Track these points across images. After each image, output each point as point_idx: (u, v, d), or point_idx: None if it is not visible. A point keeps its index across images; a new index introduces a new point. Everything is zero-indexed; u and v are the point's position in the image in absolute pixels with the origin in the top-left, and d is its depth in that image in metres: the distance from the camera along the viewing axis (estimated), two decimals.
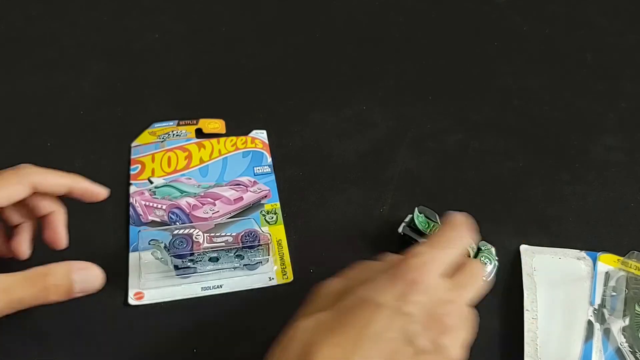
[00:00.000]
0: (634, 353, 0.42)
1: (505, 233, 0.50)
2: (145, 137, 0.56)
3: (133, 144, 0.56)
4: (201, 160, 0.54)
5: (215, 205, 0.50)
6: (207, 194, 0.51)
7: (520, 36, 0.71)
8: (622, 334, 0.43)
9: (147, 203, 0.50)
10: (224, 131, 0.57)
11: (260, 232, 0.46)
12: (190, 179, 0.53)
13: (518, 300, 0.45)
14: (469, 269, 0.37)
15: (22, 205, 0.43)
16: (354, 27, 0.71)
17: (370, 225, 0.51)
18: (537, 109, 0.62)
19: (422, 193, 0.53)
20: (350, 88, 0.64)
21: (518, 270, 0.47)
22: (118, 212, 0.50)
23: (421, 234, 0.47)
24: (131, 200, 0.51)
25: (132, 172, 0.53)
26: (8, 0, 0.73)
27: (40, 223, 0.45)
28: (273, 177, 0.53)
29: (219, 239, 0.45)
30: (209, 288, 0.45)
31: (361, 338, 0.32)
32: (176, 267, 0.45)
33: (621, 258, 0.47)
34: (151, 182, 0.52)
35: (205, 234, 0.45)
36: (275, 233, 0.49)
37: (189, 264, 0.44)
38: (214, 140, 0.56)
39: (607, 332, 0.43)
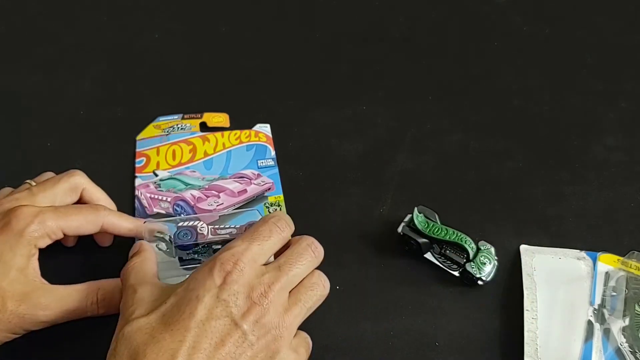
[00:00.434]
0: (634, 353, 0.42)
1: (505, 233, 0.50)
2: (150, 131, 0.57)
3: (138, 138, 0.56)
4: (205, 154, 0.55)
5: (219, 197, 0.51)
6: (211, 186, 0.52)
7: (520, 36, 0.71)
8: (622, 334, 0.43)
9: (152, 195, 0.51)
10: (228, 125, 0.58)
11: None
12: (194, 171, 0.53)
13: (518, 300, 0.45)
14: (290, 250, 0.39)
15: None
16: (354, 27, 0.71)
17: (370, 225, 0.51)
18: (537, 109, 0.62)
19: (422, 193, 0.53)
20: (350, 88, 0.64)
21: (518, 270, 0.47)
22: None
23: (421, 233, 0.47)
24: (136, 192, 0.51)
25: (137, 165, 0.54)
26: (8, 0, 0.73)
27: None
28: (276, 170, 0.54)
29: (223, 231, 0.45)
30: None
31: (187, 329, 0.34)
32: (180, 259, 0.45)
33: (621, 258, 0.47)
34: (156, 175, 0.53)
35: (210, 226, 0.45)
36: None
37: (193, 255, 0.44)
38: (218, 134, 0.56)
39: (607, 332, 0.43)
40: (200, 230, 0.45)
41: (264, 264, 0.38)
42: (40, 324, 0.40)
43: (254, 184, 0.52)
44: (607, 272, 0.47)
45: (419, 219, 0.48)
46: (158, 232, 0.45)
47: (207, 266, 0.36)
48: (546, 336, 0.43)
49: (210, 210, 0.50)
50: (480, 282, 0.46)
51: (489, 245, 0.47)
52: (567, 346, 0.43)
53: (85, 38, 0.69)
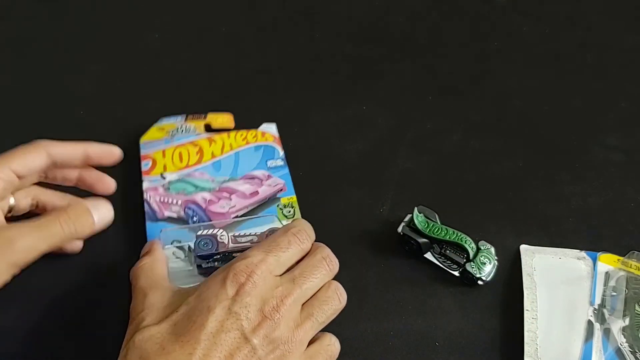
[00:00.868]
0: (634, 353, 0.42)
1: (505, 233, 0.50)
2: (153, 133, 0.56)
3: (141, 140, 0.55)
4: (213, 155, 0.54)
5: (231, 199, 0.50)
6: (222, 188, 0.51)
7: (520, 36, 0.71)
8: (622, 334, 0.43)
9: (162, 199, 0.50)
10: (232, 126, 0.57)
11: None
12: (203, 173, 0.53)
13: (518, 300, 0.45)
14: (305, 263, 0.38)
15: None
16: (354, 27, 0.71)
17: (370, 225, 0.51)
18: (537, 109, 0.62)
19: (422, 193, 0.53)
20: (350, 88, 0.64)
21: (518, 270, 0.47)
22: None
23: (421, 233, 0.47)
24: (145, 196, 0.50)
25: (143, 169, 0.53)
26: (8, 0, 0.73)
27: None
28: (287, 170, 0.53)
29: (243, 239, 0.44)
30: None
31: (197, 341, 0.33)
32: (199, 266, 0.44)
33: (621, 258, 0.47)
34: (164, 178, 0.52)
35: (230, 234, 0.45)
36: None
37: (213, 264, 0.44)
38: (224, 135, 0.55)
39: (607, 332, 0.43)
40: (220, 239, 0.44)
41: (280, 274, 0.38)
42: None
43: (266, 185, 0.52)
44: (607, 272, 0.47)
45: (419, 219, 0.48)
46: (175, 240, 0.45)
47: (221, 275, 0.36)
48: (546, 336, 0.43)
49: (223, 214, 0.49)
50: (480, 282, 0.46)
51: (489, 245, 0.47)
52: (567, 346, 0.43)
53: (85, 38, 0.69)
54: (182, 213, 0.49)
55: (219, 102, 0.61)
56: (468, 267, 0.46)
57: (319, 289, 0.39)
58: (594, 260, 0.48)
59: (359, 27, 0.72)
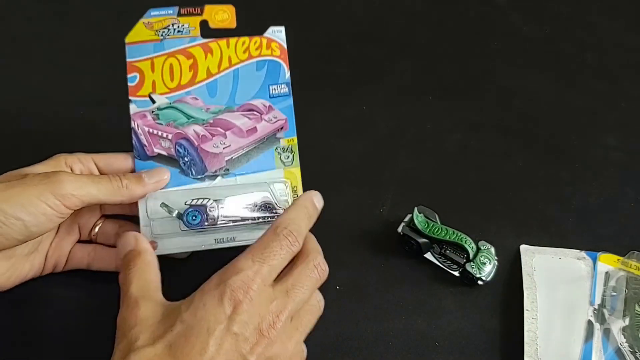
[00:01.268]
0: (634, 353, 0.42)
1: (505, 233, 0.50)
2: (140, 31, 0.48)
3: (127, 40, 0.47)
4: (209, 73, 0.47)
5: (226, 137, 0.46)
6: (217, 121, 0.46)
7: (520, 36, 0.71)
8: (622, 334, 0.43)
9: (151, 130, 0.46)
10: (234, 25, 0.48)
11: (275, 204, 0.44)
12: (197, 99, 0.47)
13: (518, 300, 0.45)
14: (296, 272, 0.38)
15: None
16: (354, 27, 0.71)
17: (370, 225, 0.51)
18: (537, 109, 0.62)
19: (422, 193, 0.53)
20: (350, 88, 0.64)
21: (518, 270, 0.47)
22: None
23: (421, 233, 0.47)
24: (133, 125, 0.46)
25: (130, 84, 0.46)
26: (8, 0, 0.73)
27: None
28: (291, 100, 0.47)
29: (233, 211, 0.43)
30: (222, 240, 0.43)
31: None
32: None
33: (621, 258, 0.47)
34: (153, 102, 0.47)
35: (219, 206, 0.43)
36: (291, 178, 0.46)
37: (201, 230, 0.43)
38: (222, 43, 0.47)
39: (607, 332, 0.43)
40: (209, 210, 0.43)
41: (273, 282, 0.37)
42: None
43: (265, 120, 0.46)
44: (607, 272, 0.47)
45: (419, 219, 0.48)
46: (163, 203, 0.43)
47: (217, 291, 0.34)
48: (546, 336, 0.43)
49: (216, 155, 0.45)
50: (480, 282, 0.46)
51: (489, 245, 0.47)
52: (567, 346, 0.43)
53: (85, 38, 0.69)
54: (172, 150, 0.45)
55: None
56: (468, 267, 0.46)
57: None
58: (594, 260, 0.48)
59: (359, 27, 0.72)
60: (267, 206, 0.44)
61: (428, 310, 0.45)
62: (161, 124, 0.46)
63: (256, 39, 0.48)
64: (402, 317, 0.45)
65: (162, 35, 0.47)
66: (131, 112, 0.46)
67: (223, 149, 0.45)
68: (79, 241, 0.47)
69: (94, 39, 0.68)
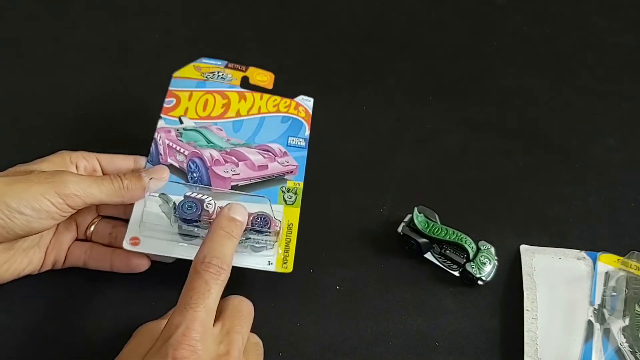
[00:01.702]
0: (634, 353, 0.42)
1: (505, 233, 0.50)
2: (189, 71, 0.53)
3: (174, 75, 0.53)
4: (238, 113, 0.51)
5: (237, 166, 0.47)
6: (233, 151, 0.48)
7: (520, 36, 0.71)
8: (622, 334, 0.43)
9: (171, 144, 0.48)
10: (271, 86, 0.54)
11: (273, 217, 0.44)
12: (221, 129, 0.50)
13: (518, 300, 0.45)
14: (230, 308, 0.37)
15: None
16: (354, 27, 0.71)
17: (370, 225, 0.51)
18: (537, 109, 0.62)
19: (422, 193, 0.53)
20: (350, 88, 0.64)
21: (518, 270, 0.47)
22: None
23: (421, 233, 0.47)
24: (155, 135, 0.48)
25: (165, 105, 0.50)
26: (8, 0, 0.73)
27: None
28: (305, 153, 0.50)
29: None
30: None
31: None
32: (180, 227, 0.43)
33: (621, 258, 0.47)
34: (181, 122, 0.50)
35: (217, 205, 0.43)
36: (289, 215, 0.47)
37: (194, 229, 0.43)
38: (257, 95, 0.52)
39: (607, 332, 0.43)
40: (206, 207, 0.43)
41: (214, 322, 0.36)
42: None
43: (278, 161, 0.49)
44: (607, 272, 0.47)
45: (419, 219, 0.48)
46: (163, 194, 0.44)
47: (159, 355, 0.32)
48: (546, 336, 0.43)
49: (224, 178, 0.46)
50: (480, 282, 0.46)
51: (489, 245, 0.47)
52: (567, 346, 0.43)
53: (85, 38, 0.69)
54: (184, 164, 0.47)
55: None
56: (468, 267, 0.46)
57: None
58: (594, 260, 0.48)
59: (359, 27, 0.72)
60: (263, 218, 0.44)
61: (428, 310, 0.46)
62: (182, 141, 0.48)
63: (287, 100, 0.53)
64: (402, 317, 0.45)
65: (206, 77, 0.53)
66: (158, 125, 0.49)
67: (232, 175, 0.47)
68: (76, 239, 0.47)
69: (94, 39, 0.68)
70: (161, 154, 0.48)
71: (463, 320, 0.45)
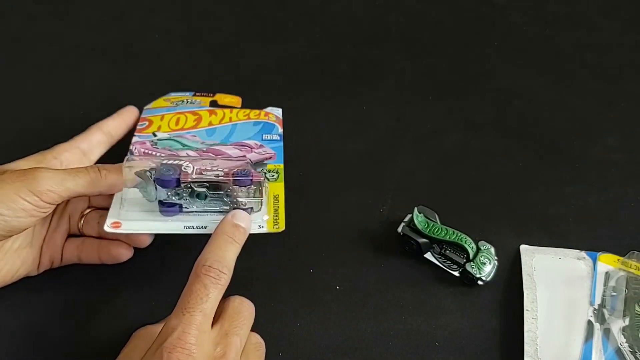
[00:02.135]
0: (634, 353, 0.42)
1: (505, 233, 0.50)
2: (159, 102, 0.55)
3: (145, 107, 0.54)
4: (210, 124, 0.52)
5: (215, 160, 0.46)
6: (210, 149, 0.49)
7: (520, 36, 0.71)
8: (622, 334, 0.43)
9: (147, 151, 0.48)
10: (239, 106, 0.56)
11: (254, 170, 0.43)
12: (195, 136, 0.51)
13: (518, 300, 0.45)
14: (230, 309, 0.37)
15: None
16: (354, 27, 0.71)
17: (370, 225, 0.51)
18: (537, 109, 0.62)
19: (422, 193, 0.53)
20: (350, 88, 0.64)
21: (518, 270, 0.47)
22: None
23: (421, 233, 0.47)
24: (131, 147, 0.49)
25: (138, 127, 0.51)
26: (8, 0, 0.73)
27: None
28: (281, 144, 0.51)
29: (208, 173, 0.42)
30: (192, 227, 0.42)
31: None
32: (161, 203, 0.42)
33: (621, 258, 0.47)
34: (155, 135, 0.50)
35: (195, 166, 0.43)
36: (274, 189, 0.46)
37: (173, 198, 0.42)
38: (227, 110, 0.54)
39: (607, 332, 0.43)
40: (184, 169, 0.42)
41: (212, 325, 0.36)
42: None
43: (255, 152, 0.49)
44: (607, 272, 0.47)
45: (419, 219, 0.48)
46: (139, 171, 0.42)
47: (154, 358, 0.32)
48: (546, 336, 0.43)
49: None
50: (480, 282, 0.46)
51: (489, 245, 0.47)
52: (567, 346, 0.43)
53: (85, 38, 0.69)
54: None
55: None
56: (468, 267, 0.46)
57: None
58: (594, 260, 0.48)
59: (359, 27, 0.72)
60: (244, 171, 0.43)
61: (428, 310, 0.46)
62: (157, 148, 0.49)
63: (256, 110, 0.54)
64: (402, 317, 0.45)
65: (176, 104, 0.55)
66: (132, 141, 0.50)
67: (211, 168, 0.46)
68: (69, 235, 0.47)
69: (94, 39, 0.68)
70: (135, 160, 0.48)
71: (463, 320, 0.45)
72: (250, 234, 0.42)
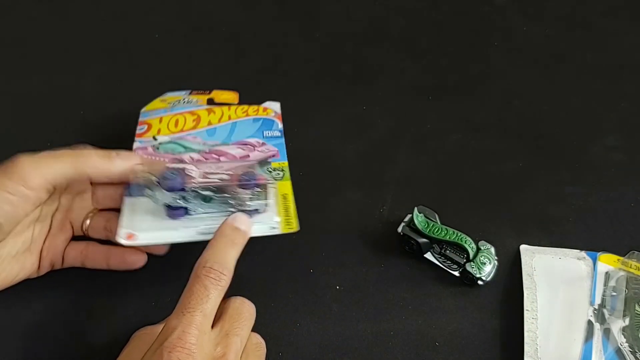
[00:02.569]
0: (634, 353, 0.42)
1: (505, 233, 0.50)
2: (155, 104, 0.55)
3: (142, 110, 0.54)
4: (209, 123, 0.52)
5: (219, 161, 0.48)
6: (212, 150, 0.49)
7: (520, 36, 0.71)
8: (622, 334, 0.43)
9: (150, 157, 0.48)
10: (236, 102, 0.55)
11: (259, 173, 0.43)
12: (196, 137, 0.51)
13: (518, 300, 0.45)
14: (230, 310, 0.37)
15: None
16: (354, 27, 0.71)
17: (370, 225, 0.51)
18: (537, 109, 0.62)
19: (422, 193, 0.53)
20: (350, 88, 0.64)
21: (518, 270, 0.47)
22: None
23: (421, 233, 0.47)
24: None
25: (137, 132, 0.51)
26: (8, 0, 0.73)
27: None
28: (282, 140, 0.51)
29: (213, 176, 0.43)
30: (206, 234, 0.42)
31: None
32: (168, 207, 0.42)
33: (621, 258, 0.47)
34: (155, 139, 0.50)
35: (200, 170, 0.43)
36: (281, 188, 0.46)
37: (179, 201, 0.42)
38: (224, 107, 0.54)
39: (607, 332, 0.43)
40: (188, 172, 0.42)
41: (212, 326, 0.36)
42: None
43: (258, 151, 0.49)
44: (607, 272, 0.47)
45: (419, 219, 0.48)
46: (145, 173, 0.42)
47: (154, 357, 0.32)
48: (546, 336, 0.43)
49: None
50: (480, 282, 0.46)
51: (489, 245, 0.47)
52: (567, 346, 0.43)
53: (85, 38, 0.69)
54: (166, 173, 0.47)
55: None
56: (468, 267, 0.46)
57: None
58: (594, 260, 0.48)
59: (359, 27, 0.72)
60: (248, 173, 0.43)
61: (428, 310, 0.46)
62: (160, 152, 0.48)
63: (254, 106, 0.54)
64: (402, 317, 0.45)
65: (173, 104, 0.54)
66: (134, 147, 0.49)
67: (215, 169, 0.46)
68: (73, 238, 0.46)
69: (94, 39, 0.69)
70: None
71: (463, 320, 0.45)
72: (264, 237, 0.42)
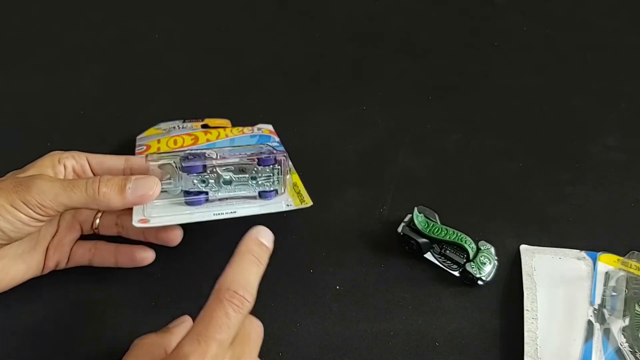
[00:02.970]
0: (634, 353, 0.42)
1: (505, 233, 0.50)
2: (151, 132, 0.56)
3: (138, 137, 0.55)
4: (208, 141, 0.53)
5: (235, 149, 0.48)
6: (222, 152, 0.49)
7: (520, 36, 0.71)
8: (622, 334, 0.43)
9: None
10: (229, 126, 0.57)
11: (276, 150, 0.44)
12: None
13: (518, 300, 0.45)
14: (240, 337, 0.35)
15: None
16: (354, 27, 0.71)
17: (370, 225, 0.51)
18: (537, 109, 0.62)
19: (422, 193, 0.53)
20: (350, 88, 0.64)
21: (518, 270, 0.47)
22: None
23: (421, 233, 0.47)
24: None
25: (137, 151, 0.52)
26: (8, 0, 0.73)
27: None
28: (283, 148, 0.51)
29: (232, 158, 0.43)
30: (222, 214, 0.42)
31: None
32: (186, 193, 0.42)
33: (621, 258, 0.47)
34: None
35: (219, 153, 0.43)
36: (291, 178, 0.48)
37: (200, 185, 0.42)
38: (220, 129, 0.55)
39: (607, 332, 0.43)
40: (208, 155, 0.42)
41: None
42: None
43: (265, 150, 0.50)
44: (607, 272, 0.47)
45: (419, 219, 0.48)
46: (162, 164, 0.42)
47: None
48: (546, 336, 0.43)
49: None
50: (480, 282, 0.46)
51: (489, 245, 0.47)
52: (567, 346, 0.43)
53: (85, 38, 0.69)
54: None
55: (219, 102, 0.61)
56: (468, 267, 0.46)
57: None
58: (594, 260, 0.48)
59: (359, 27, 0.72)
60: (266, 151, 0.44)
61: (428, 310, 0.45)
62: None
63: (249, 127, 0.56)
64: (402, 317, 0.45)
65: (168, 131, 0.55)
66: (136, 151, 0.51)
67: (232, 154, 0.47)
68: (81, 236, 0.46)
69: (94, 39, 0.69)
70: None
71: (463, 320, 0.45)
72: (279, 213, 0.44)
